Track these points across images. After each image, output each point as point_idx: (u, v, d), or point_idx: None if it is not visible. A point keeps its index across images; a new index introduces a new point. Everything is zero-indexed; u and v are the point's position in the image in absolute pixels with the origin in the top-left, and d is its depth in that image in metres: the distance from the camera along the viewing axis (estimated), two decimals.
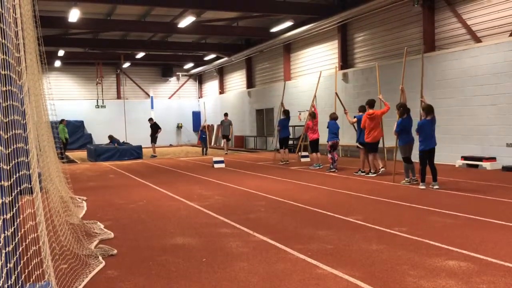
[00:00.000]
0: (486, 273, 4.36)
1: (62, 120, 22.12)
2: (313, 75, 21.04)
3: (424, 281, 4.19)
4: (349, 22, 18.58)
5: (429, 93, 14.78)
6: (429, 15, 14.99)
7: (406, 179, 10.36)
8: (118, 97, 32.30)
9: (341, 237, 5.86)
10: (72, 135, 27.88)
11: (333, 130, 13.33)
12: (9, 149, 2.69)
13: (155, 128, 22.23)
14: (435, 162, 9.68)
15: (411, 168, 10.27)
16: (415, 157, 10.05)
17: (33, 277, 3.17)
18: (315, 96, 16.44)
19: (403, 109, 10.21)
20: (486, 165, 12.66)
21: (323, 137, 14.84)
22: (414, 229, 6.13)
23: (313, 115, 14.41)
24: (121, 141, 24.07)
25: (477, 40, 13.60)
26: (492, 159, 12.77)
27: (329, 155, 13.37)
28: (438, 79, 14.58)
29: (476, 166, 12.91)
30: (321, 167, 14.34)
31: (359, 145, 12.46)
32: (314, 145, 14.57)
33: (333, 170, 13.19)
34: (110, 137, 22.30)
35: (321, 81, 20.16)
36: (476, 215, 6.88)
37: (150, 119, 22.84)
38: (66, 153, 20.88)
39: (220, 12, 19.45)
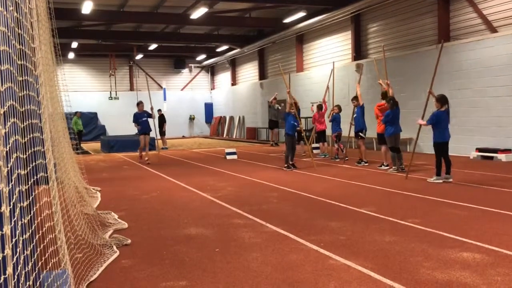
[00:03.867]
0: (501, 265, 4.32)
1: (76, 113, 22.26)
2: (326, 66, 20.90)
3: (438, 273, 4.17)
4: (362, 12, 18.39)
5: (444, 84, 14.61)
6: (444, 5, 14.77)
7: (393, 167, 11.05)
8: (131, 88, 32.46)
9: (354, 228, 5.84)
10: (85, 126, 28.07)
11: (339, 121, 14.11)
12: (26, 138, 2.72)
13: (161, 121, 22.06)
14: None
15: (399, 157, 10.92)
16: (429, 148, 9.94)
17: (49, 265, 3.21)
18: (327, 90, 16.31)
19: (393, 102, 10.85)
20: (501, 157, 12.50)
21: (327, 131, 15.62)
22: (428, 221, 6.09)
23: (320, 107, 15.31)
24: (134, 132, 24.03)
25: (493, 30, 13.38)
26: (508, 150, 12.61)
27: (336, 145, 14.11)
28: (453, 70, 14.39)
29: (491, 158, 12.75)
30: (327, 156, 15.04)
31: (361, 134, 12.70)
32: (321, 136, 15.41)
33: (339, 159, 13.79)
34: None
35: (335, 72, 20.04)
36: (491, 207, 6.81)
37: (159, 110, 22.74)
38: (81, 145, 21.05)
39: (232, 3, 19.38)
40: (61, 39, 11.53)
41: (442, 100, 9.28)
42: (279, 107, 20.51)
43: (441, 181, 9.24)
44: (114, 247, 5.20)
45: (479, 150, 13.23)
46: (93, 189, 9.57)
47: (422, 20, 15.81)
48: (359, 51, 19.00)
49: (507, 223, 5.88)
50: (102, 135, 27.36)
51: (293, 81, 23.53)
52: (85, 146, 24.16)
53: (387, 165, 11.62)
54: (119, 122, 29.47)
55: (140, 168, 13.67)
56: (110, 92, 31.40)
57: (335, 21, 19.53)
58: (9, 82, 2.28)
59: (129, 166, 14.35)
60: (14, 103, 2.39)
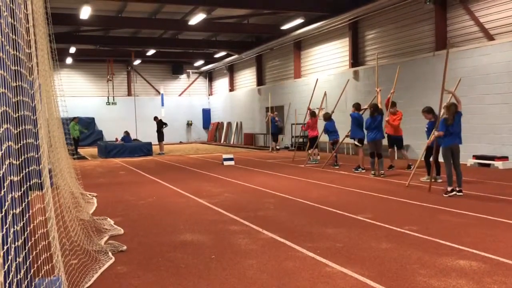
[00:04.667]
0: (498, 273, 4.31)
1: (74, 118, 22.26)
2: (324, 72, 20.96)
3: (434, 281, 4.15)
4: (360, 19, 18.46)
5: (440, 91, 14.62)
6: (441, 12, 14.84)
7: (372, 172, 11.69)
8: (129, 94, 32.46)
9: (351, 235, 5.83)
10: (83, 131, 28.01)
11: (333, 129, 14.20)
12: (19, 144, 2.70)
13: (160, 125, 22.30)
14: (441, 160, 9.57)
15: (379, 163, 11.50)
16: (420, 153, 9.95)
17: (43, 272, 3.18)
18: (324, 97, 16.41)
19: (373, 109, 11.46)
20: (498, 164, 12.51)
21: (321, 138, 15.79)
22: (425, 228, 6.08)
23: (313, 114, 15.55)
24: (132, 138, 24.30)
25: (490, 38, 13.44)
26: (505, 158, 12.62)
27: (334, 153, 14.15)
28: (449, 77, 14.33)
29: (488, 165, 12.77)
30: (318, 162, 15.12)
31: (356, 143, 12.87)
32: (313, 142, 15.50)
33: (338, 166, 13.87)
34: (126, 132, 22.39)
35: (332, 79, 20.12)
36: (488, 214, 6.81)
37: (155, 118, 22.92)
38: (77, 151, 21.03)
39: (230, 9, 19.44)
40: (59, 44, 11.54)
41: (431, 111, 10.18)
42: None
43: (440, 180, 10.04)
44: (110, 254, 5.17)
45: (476, 157, 13.25)
46: (90, 194, 9.53)
47: (420, 27, 15.87)
48: (356, 58, 19.05)
49: (504, 231, 5.87)
50: (99, 140, 27.32)
51: (291, 87, 23.61)
52: (82, 151, 24.12)
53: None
54: (116, 127, 29.41)
55: (136, 174, 13.64)
56: (108, 97, 31.37)
57: (333, 28, 19.60)
58: (2, 88, 2.27)
59: (125, 172, 14.31)
60: (7, 109, 2.38)
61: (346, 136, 13.39)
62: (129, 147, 20.84)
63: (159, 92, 33.04)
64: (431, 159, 9.96)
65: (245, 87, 29.67)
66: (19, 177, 2.64)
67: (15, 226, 2.41)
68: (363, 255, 4.97)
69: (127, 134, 22.24)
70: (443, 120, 8.66)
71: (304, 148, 20.02)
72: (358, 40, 19.07)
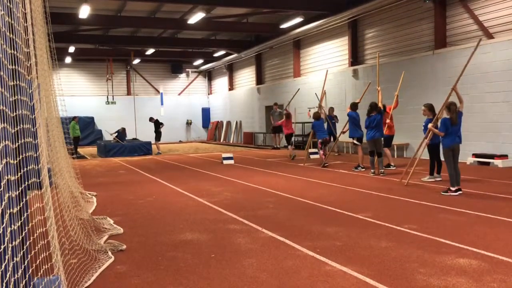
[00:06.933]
0: (497, 271, 4.31)
1: (75, 117, 22.23)
2: (323, 71, 20.95)
3: (434, 279, 4.15)
4: (359, 18, 18.44)
5: (440, 90, 14.64)
6: (440, 11, 14.82)
7: (372, 170, 11.69)
8: (128, 93, 32.43)
9: (350, 234, 5.82)
10: (82, 131, 27.98)
11: (320, 129, 14.32)
12: (17, 144, 2.69)
13: (156, 125, 22.20)
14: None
15: (379, 162, 11.58)
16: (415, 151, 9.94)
17: (41, 271, 3.18)
18: (324, 95, 16.42)
19: (370, 108, 11.51)
20: (498, 162, 12.51)
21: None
22: (424, 226, 6.07)
23: (287, 116, 16.90)
24: (131, 137, 24.26)
25: (490, 36, 13.43)
26: (504, 156, 12.62)
27: (321, 152, 14.31)
28: (449, 75, 14.40)
29: (488, 163, 12.76)
30: (294, 158, 16.10)
31: (355, 141, 12.98)
32: (289, 138, 16.92)
33: (326, 165, 13.91)
34: (118, 131, 22.36)
35: (331, 78, 20.11)
36: (488, 213, 6.81)
37: (151, 118, 22.74)
38: (77, 150, 21.01)
39: (230, 8, 19.43)
40: (58, 43, 11.52)
41: (432, 109, 10.16)
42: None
43: (433, 179, 10.19)
44: (109, 253, 5.17)
45: (475, 155, 13.24)
46: (89, 193, 9.53)
47: (419, 26, 15.85)
48: (356, 57, 19.04)
49: (503, 229, 5.87)
50: (98, 140, 27.31)
51: (290, 86, 23.59)
52: (81, 150, 24.12)
53: (394, 166, 12.77)
54: (116, 126, 29.39)
55: (136, 173, 13.63)
56: (107, 97, 31.35)
57: (332, 26, 19.58)
58: None
59: (125, 171, 14.31)
60: (4, 108, 2.37)
61: (342, 132, 13.50)
62: (129, 146, 20.83)
63: (158, 91, 33.01)
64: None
65: (245, 86, 29.66)
66: (16, 176, 2.63)
67: (13, 226, 2.40)
68: (362, 254, 4.96)
69: (117, 132, 22.19)
70: (447, 120, 8.52)
71: (303, 147, 20.03)
72: (357, 39, 19.05)
